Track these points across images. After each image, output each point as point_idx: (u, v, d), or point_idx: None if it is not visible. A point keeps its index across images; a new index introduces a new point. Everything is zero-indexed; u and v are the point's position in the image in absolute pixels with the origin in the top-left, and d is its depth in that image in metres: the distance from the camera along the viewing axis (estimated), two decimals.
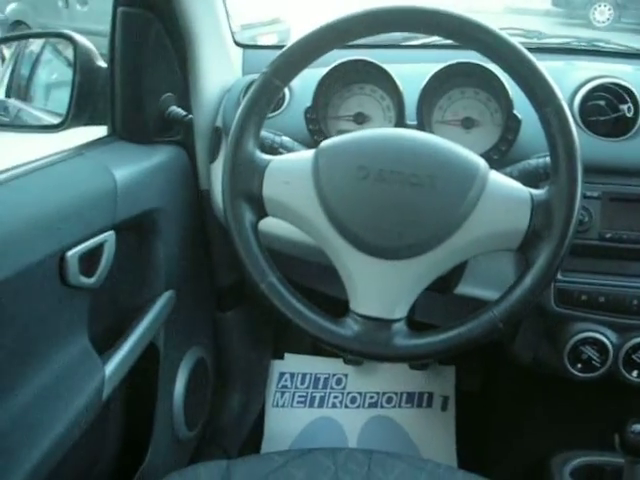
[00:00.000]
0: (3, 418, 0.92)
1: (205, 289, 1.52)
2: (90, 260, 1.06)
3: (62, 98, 1.28)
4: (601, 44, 1.53)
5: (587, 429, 1.38)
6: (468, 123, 1.17)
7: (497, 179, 0.91)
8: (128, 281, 1.25)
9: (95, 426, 1.14)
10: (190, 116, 1.32)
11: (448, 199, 0.89)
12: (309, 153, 0.95)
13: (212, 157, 1.33)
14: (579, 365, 1.17)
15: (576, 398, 1.48)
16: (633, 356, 1.16)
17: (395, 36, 1.48)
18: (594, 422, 1.36)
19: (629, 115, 1.16)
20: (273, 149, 1.12)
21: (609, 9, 7.95)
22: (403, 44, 1.51)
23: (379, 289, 0.91)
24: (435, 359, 0.93)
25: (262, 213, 0.96)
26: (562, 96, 0.89)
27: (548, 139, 0.90)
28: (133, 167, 1.19)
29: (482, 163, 0.91)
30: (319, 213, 0.92)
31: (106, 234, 1.08)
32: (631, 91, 1.16)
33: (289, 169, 0.95)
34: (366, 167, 0.90)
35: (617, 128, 1.16)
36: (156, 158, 1.27)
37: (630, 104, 1.16)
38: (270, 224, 0.99)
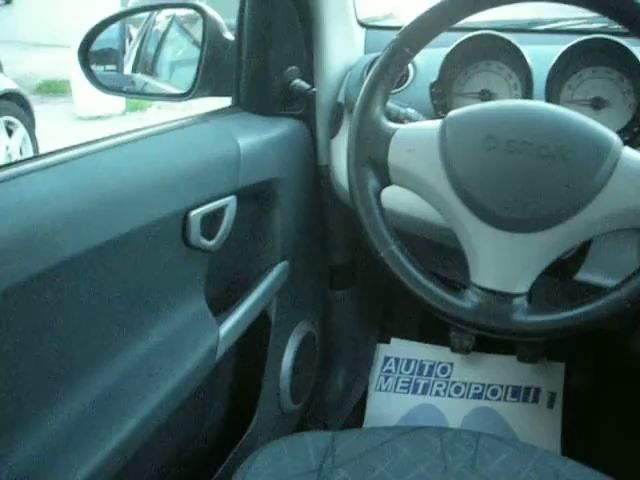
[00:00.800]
0: (121, 367, 0.95)
1: (318, 265, 1.53)
2: (211, 223, 1.08)
3: (186, 75, 1.32)
4: None
5: None
6: (598, 103, 1.13)
7: (631, 155, 0.88)
8: (245, 248, 1.27)
9: (205, 389, 1.16)
10: (314, 89, 1.33)
11: (579, 172, 0.87)
12: (436, 122, 0.95)
13: (333, 132, 1.34)
14: None
15: None
16: None
17: (521, 21, 1.46)
18: None
19: None
20: (398, 120, 1.11)
21: None
22: (530, 28, 1.47)
23: (502, 262, 0.90)
24: (555, 338, 0.91)
25: (386, 181, 0.96)
26: None
27: None
28: (256, 137, 1.21)
29: (615, 137, 0.89)
30: (444, 182, 0.91)
31: (228, 199, 1.10)
32: None
33: (416, 137, 0.95)
34: (495, 137, 0.89)
35: None
36: (277, 130, 1.28)
37: None
38: (388, 199, 0.98)
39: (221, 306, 1.17)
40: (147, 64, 1.66)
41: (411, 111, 1.14)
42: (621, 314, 0.87)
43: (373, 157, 0.95)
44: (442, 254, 1.03)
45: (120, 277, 0.92)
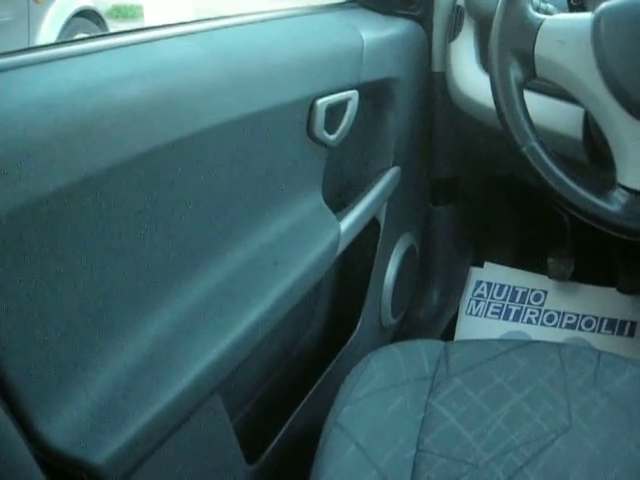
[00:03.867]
0: (245, 256, 0.92)
1: (424, 177, 1.49)
2: (334, 116, 1.04)
3: None
4: None
5: None
6: None
7: None
8: (360, 149, 1.24)
9: (313, 291, 1.14)
10: None
11: None
12: (587, 14, 0.89)
13: (452, 36, 1.28)
14: None
15: None
16: None
17: None
18: None
19: None
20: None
21: None
22: None
23: None
24: None
25: (531, 73, 0.91)
26: None
27: None
28: (377, 33, 1.16)
29: None
30: (596, 76, 0.86)
31: (351, 92, 1.06)
32: None
33: (566, 29, 0.90)
34: None
35: None
36: (396, 29, 1.24)
37: None
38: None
39: (335, 205, 1.14)
40: None
41: (551, 7, 1.08)
42: None
43: (519, 47, 0.90)
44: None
45: (245, 157, 0.90)
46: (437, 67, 1.34)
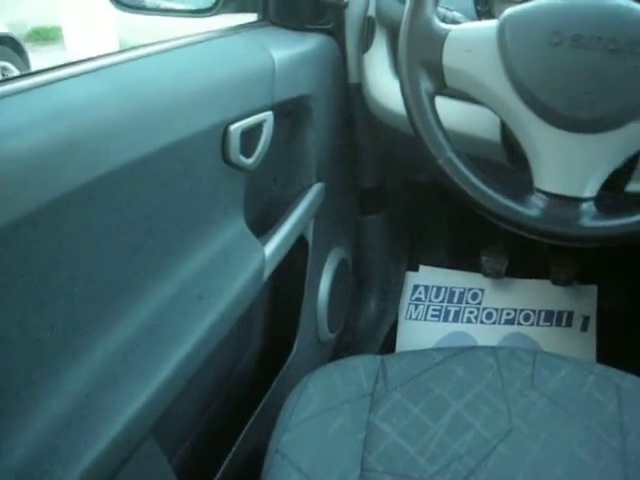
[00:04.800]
0: (169, 291, 0.90)
1: (350, 189, 1.49)
2: (249, 139, 1.03)
3: None
4: None
5: None
6: None
7: None
8: (281, 168, 1.22)
9: (246, 317, 1.13)
10: (345, 0, 1.26)
11: None
12: (492, 22, 0.89)
13: (364, 47, 1.28)
14: None
15: None
16: None
17: None
18: None
19: None
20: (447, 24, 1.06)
21: None
22: None
23: (568, 165, 0.85)
24: (623, 241, 0.87)
25: (441, 83, 0.91)
26: None
27: None
28: (288, 51, 1.15)
29: None
30: (505, 82, 0.86)
31: (265, 114, 1.05)
32: None
33: (472, 37, 0.90)
34: (560, 32, 0.83)
35: None
36: (308, 45, 1.23)
37: None
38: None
39: (260, 228, 1.12)
40: None
41: (458, 15, 1.08)
42: None
43: (427, 59, 0.89)
44: (485, 170, 0.99)
45: (161, 192, 0.88)
46: (353, 79, 1.33)
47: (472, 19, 1.11)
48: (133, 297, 0.85)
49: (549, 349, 1.72)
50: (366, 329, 1.69)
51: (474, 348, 1.07)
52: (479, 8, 1.11)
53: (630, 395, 0.98)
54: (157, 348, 0.85)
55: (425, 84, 0.90)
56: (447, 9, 1.07)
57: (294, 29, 1.25)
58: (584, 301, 1.74)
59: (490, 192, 0.88)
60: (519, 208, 0.87)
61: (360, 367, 1.04)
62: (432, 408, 0.97)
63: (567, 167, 0.85)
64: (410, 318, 1.77)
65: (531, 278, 1.75)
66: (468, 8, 1.12)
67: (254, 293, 1.06)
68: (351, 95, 1.34)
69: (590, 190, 0.85)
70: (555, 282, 1.70)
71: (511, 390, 0.99)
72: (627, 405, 0.96)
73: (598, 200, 0.87)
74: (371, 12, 1.27)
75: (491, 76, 0.87)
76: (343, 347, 1.62)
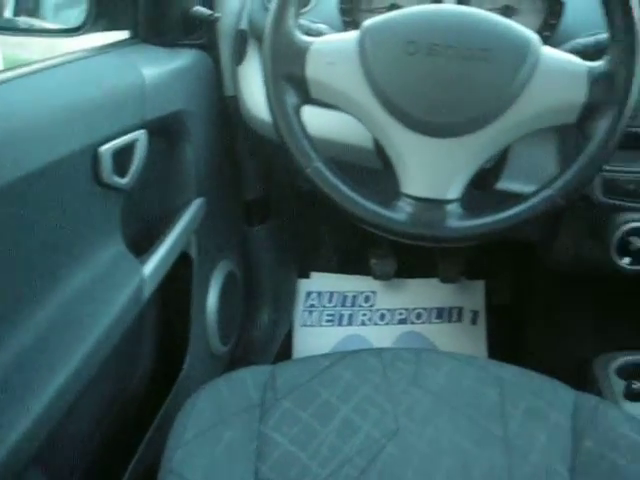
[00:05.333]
0: (43, 318, 0.89)
1: (233, 201, 1.49)
2: (122, 159, 1.02)
3: (73, 16, 1.24)
4: None
5: (627, 328, 1.37)
6: (508, 12, 1.12)
7: (551, 53, 0.88)
8: (159, 186, 1.22)
9: (132, 336, 1.12)
10: (216, 14, 1.27)
11: (501, 73, 0.86)
12: (353, 33, 0.91)
13: (237, 61, 1.29)
14: (627, 258, 1.14)
15: (613, 298, 1.46)
16: None
17: None
18: (634, 321, 1.35)
19: None
20: (309, 36, 1.07)
21: None
22: None
23: (431, 168, 0.88)
24: (491, 239, 0.91)
25: (305, 96, 0.92)
26: None
27: (604, 6, 0.86)
28: (159, 68, 1.15)
29: (535, 37, 0.88)
30: (367, 92, 0.88)
31: (137, 132, 1.05)
32: None
33: (333, 49, 0.91)
34: (416, 42, 0.86)
35: None
36: (181, 61, 1.23)
37: None
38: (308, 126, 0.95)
39: (140, 247, 1.12)
40: (29, 6, 1.56)
41: (323, 27, 1.10)
42: (554, 211, 0.87)
43: (290, 72, 0.91)
44: (362, 176, 1.01)
45: (34, 215, 0.86)
46: (229, 91, 1.34)
47: (338, 30, 1.13)
48: (8, 323, 0.83)
49: (442, 345, 1.77)
50: (261, 339, 1.70)
51: (360, 351, 1.08)
52: (345, 19, 1.13)
53: (509, 384, 1.01)
54: (36, 374, 0.84)
55: (290, 97, 0.91)
56: (311, 22, 1.09)
57: (166, 46, 1.24)
58: (472, 296, 1.80)
59: (358, 199, 0.90)
60: (387, 213, 0.89)
61: (248, 379, 1.04)
62: (321, 413, 0.98)
63: (430, 171, 0.88)
64: (305, 325, 1.79)
65: (420, 277, 1.79)
66: (334, 19, 1.14)
67: (134, 313, 1.05)
68: (228, 108, 1.35)
69: (454, 192, 0.88)
70: (443, 280, 1.75)
71: (396, 390, 1.01)
72: (507, 394, 0.99)
73: (463, 201, 0.90)
74: (243, 25, 1.28)
75: (354, 87, 0.89)
76: (238, 359, 1.62)
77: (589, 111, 0.86)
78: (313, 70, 0.90)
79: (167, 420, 1.08)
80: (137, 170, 1.05)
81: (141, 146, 1.05)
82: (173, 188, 1.25)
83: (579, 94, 0.86)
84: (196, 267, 1.30)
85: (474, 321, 1.78)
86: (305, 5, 1.20)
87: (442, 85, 0.86)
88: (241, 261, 1.57)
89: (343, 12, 1.13)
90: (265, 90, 0.93)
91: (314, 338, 1.77)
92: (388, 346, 1.76)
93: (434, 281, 1.77)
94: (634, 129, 1.10)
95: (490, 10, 1.12)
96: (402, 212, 0.89)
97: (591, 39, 1.00)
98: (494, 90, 0.85)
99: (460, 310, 1.79)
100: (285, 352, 1.75)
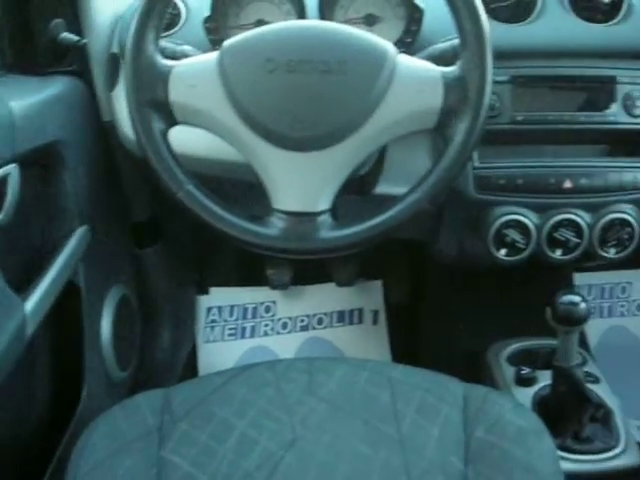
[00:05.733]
0: None
1: (121, 225, 1.48)
2: None
3: None
4: None
5: (516, 317, 1.41)
6: (371, 20, 1.15)
7: (407, 61, 0.91)
8: (39, 217, 1.20)
9: (22, 373, 1.10)
10: (84, 40, 1.25)
11: (360, 85, 0.88)
12: (213, 54, 0.92)
13: (111, 85, 1.28)
14: (504, 249, 1.19)
15: (505, 287, 1.51)
16: (555, 234, 1.18)
17: None
18: (521, 310, 1.39)
19: None
20: (175, 59, 1.07)
21: None
22: None
23: (299, 183, 0.90)
24: (364, 248, 0.93)
25: (171, 120, 0.92)
26: None
27: (454, 15, 0.90)
28: (29, 98, 1.13)
29: (390, 46, 0.91)
30: (230, 112, 0.89)
31: (8, 167, 1.03)
32: None
33: (194, 71, 0.92)
34: (273, 59, 0.88)
35: (519, 13, 1.17)
36: (53, 89, 1.21)
37: None
38: (177, 144, 0.96)
39: (23, 282, 1.09)
40: None
41: (188, 48, 1.10)
42: (420, 215, 0.90)
43: (153, 97, 0.91)
44: (239, 190, 1.02)
45: None
46: (106, 117, 1.32)
47: (205, 50, 1.13)
48: None
49: (346, 348, 1.79)
50: (163, 360, 1.69)
51: (254, 366, 1.09)
52: (211, 38, 1.14)
53: (401, 384, 1.03)
54: None
55: (156, 123, 0.91)
56: (175, 43, 1.09)
57: (35, 75, 1.23)
58: (371, 297, 1.83)
59: (231, 218, 0.91)
60: (259, 230, 0.91)
61: (143, 404, 1.03)
62: (218, 432, 0.98)
63: (298, 185, 0.90)
64: (208, 341, 1.78)
65: (317, 283, 1.81)
66: (203, 39, 1.15)
67: (17, 352, 1.03)
68: (106, 133, 1.33)
69: (323, 203, 0.90)
70: (339, 284, 1.77)
71: (291, 400, 1.02)
72: (399, 394, 1.02)
73: (334, 211, 0.92)
74: (114, 48, 1.27)
75: (217, 108, 0.90)
76: (142, 383, 1.60)
77: (446, 115, 0.89)
78: (176, 94, 0.91)
79: (67, 457, 1.07)
80: (11, 205, 1.03)
81: (13, 181, 1.03)
82: (53, 219, 1.23)
83: (435, 99, 0.89)
84: (85, 295, 1.28)
85: (375, 321, 1.81)
86: (173, 25, 1.20)
87: (302, 100, 0.88)
88: (135, 284, 1.55)
89: (208, 31, 1.14)
90: (130, 117, 0.92)
91: (218, 354, 1.77)
92: (292, 354, 1.77)
93: (331, 285, 1.79)
94: (500, 126, 1.15)
95: (353, 19, 1.16)
96: (274, 227, 0.90)
97: (447, 44, 1.03)
98: (353, 102, 0.87)
99: (360, 311, 1.82)
100: (191, 370, 1.74)
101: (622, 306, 1.90)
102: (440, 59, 1.03)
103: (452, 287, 1.67)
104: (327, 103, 0.88)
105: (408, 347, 1.76)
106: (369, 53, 0.89)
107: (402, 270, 1.84)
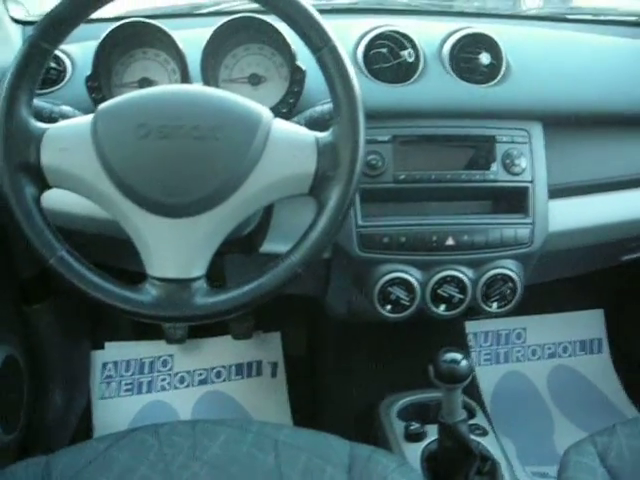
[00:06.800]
0: None
1: (6, 282, 1.44)
2: None
3: None
4: (388, 2, 1.58)
5: (409, 369, 1.43)
6: (255, 79, 1.16)
7: (281, 126, 0.92)
8: None
9: None
10: None
11: (233, 150, 0.88)
12: (87, 117, 0.91)
13: None
14: (389, 306, 1.20)
15: (395, 342, 1.52)
16: (439, 291, 1.20)
17: (183, 6, 1.45)
18: (414, 361, 1.41)
19: (410, 60, 1.19)
20: (53, 119, 1.05)
21: None
22: (194, 12, 1.47)
23: (173, 249, 0.89)
24: (239, 313, 0.92)
25: (43, 185, 0.90)
26: (336, 37, 0.90)
27: (327, 81, 0.91)
28: None
29: (265, 111, 0.91)
30: (102, 177, 0.88)
31: None
32: (410, 37, 1.19)
33: (67, 135, 0.90)
34: (146, 125, 0.87)
35: (400, 74, 1.19)
36: None
37: (410, 49, 1.19)
38: (55, 201, 0.94)
39: None
40: None
41: (66, 109, 1.08)
42: (294, 280, 0.90)
43: (25, 161, 0.88)
44: (117, 247, 1.00)
45: None
46: None
47: (89, 110, 1.11)
48: None
49: (245, 401, 1.78)
50: (55, 420, 1.64)
51: (136, 430, 1.07)
52: (94, 96, 1.12)
53: (286, 446, 1.03)
54: None
55: (28, 188, 0.89)
56: (54, 103, 1.07)
57: None
58: (270, 349, 1.82)
59: (105, 285, 0.89)
60: (133, 297, 0.89)
61: (22, 474, 1.00)
62: None
63: (172, 251, 0.89)
64: (103, 398, 1.74)
65: (215, 336, 1.80)
66: (86, 97, 1.13)
67: None
68: None
69: (198, 270, 0.89)
70: (236, 337, 1.76)
71: (174, 466, 1.00)
72: (284, 457, 1.01)
73: (210, 276, 0.91)
74: None
75: (90, 172, 0.88)
76: (31, 445, 1.55)
77: (319, 181, 0.89)
78: (48, 157, 0.89)
79: None
80: None
81: None
82: None
83: (309, 165, 0.89)
84: None
85: (274, 373, 1.81)
86: (58, 82, 1.18)
87: (175, 166, 0.87)
88: (22, 343, 1.51)
89: (91, 90, 1.12)
90: (0, 181, 0.90)
91: (114, 410, 1.73)
92: (191, 409, 1.75)
93: (227, 338, 1.78)
94: (383, 185, 1.17)
95: (238, 79, 1.17)
96: (148, 294, 0.89)
97: (325, 107, 1.05)
98: (226, 168, 0.87)
99: (259, 364, 1.81)
100: (85, 428, 1.69)
101: (518, 351, 1.94)
102: (319, 122, 1.04)
103: (349, 339, 1.68)
104: (199, 170, 0.87)
105: (307, 400, 1.76)
106: (242, 118, 0.89)
107: (300, 322, 1.84)
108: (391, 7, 1.55)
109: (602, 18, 1.70)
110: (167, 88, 0.93)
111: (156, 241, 0.89)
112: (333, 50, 0.89)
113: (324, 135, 0.91)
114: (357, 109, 0.90)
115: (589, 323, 2.00)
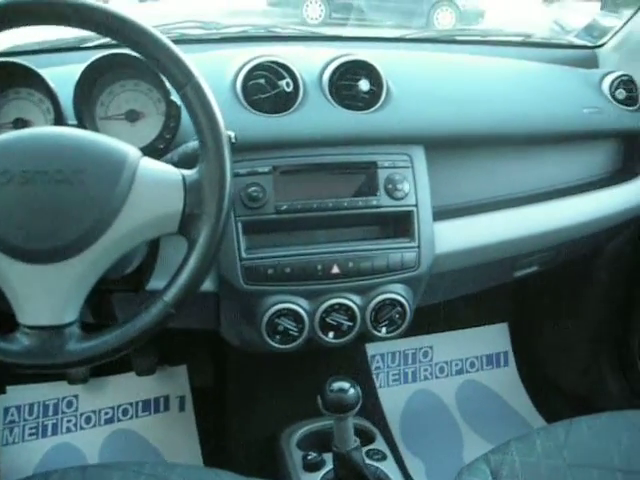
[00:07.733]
0: None
1: None
2: None
3: None
4: (277, 29, 1.59)
5: (310, 397, 1.43)
6: (133, 115, 1.15)
7: (148, 165, 0.91)
8: None
9: None
10: None
11: (98, 193, 0.87)
12: None
13: None
14: (278, 337, 1.20)
15: (295, 369, 1.52)
16: (327, 319, 1.20)
17: (70, 39, 1.43)
18: (314, 389, 1.41)
19: (288, 90, 1.20)
20: None
21: (320, 6, 8.20)
22: (80, 46, 1.45)
23: (43, 296, 0.87)
24: (114, 357, 0.91)
25: None
26: (199, 74, 0.90)
27: (192, 118, 0.91)
28: None
29: (131, 151, 0.90)
30: None
31: None
32: (288, 67, 1.20)
33: None
34: (8, 170, 0.86)
35: (279, 104, 1.19)
36: None
37: (288, 79, 1.20)
38: None
39: None
40: None
41: None
42: (168, 321, 0.90)
43: None
44: None
45: None
46: None
47: None
48: None
49: (153, 438, 1.75)
50: None
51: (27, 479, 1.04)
52: None
53: None
54: None
55: None
56: None
57: None
58: (176, 382, 1.80)
59: None
60: (4, 346, 0.87)
61: None
62: None
63: (42, 298, 0.87)
64: (7, 444, 1.70)
65: (118, 373, 1.77)
66: None
67: None
68: None
69: (70, 315, 0.88)
70: (139, 373, 1.74)
71: None
72: None
73: (82, 322, 0.90)
74: None
75: None
76: None
77: (187, 219, 0.89)
78: None
79: None
80: None
81: None
82: None
83: (176, 204, 0.89)
84: None
85: (182, 407, 1.79)
86: None
87: (39, 212, 0.85)
88: None
89: None
90: None
91: (20, 456, 1.69)
92: (98, 449, 1.72)
93: (131, 375, 1.76)
94: (265, 216, 1.17)
95: (115, 116, 1.15)
96: (18, 343, 0.87)
97: (197, 143, 1.04)
98: (91, 211, 0.86)
99: (167, 398, 1.79)
100: None
101: (425, 370, 1.97)
102: (191, 158, 1.03)
103: (252, 368, 1.68)
104: (64, 214, 0.86)
105: (217, 432, 1.74)
106: (106, 160, 0.88)
107: (206, 353, 1.83)
108: (281, 34, 1.57)
109: (490, 39, 1.76)
110: (29, 132, 0.92)
111: (24, 288, 0.87)
112: (196, 87, 0.90)
113: (191, 173, 0.91)
114: (222, 146, 0.90)
115: (494, 337, 2.04)
